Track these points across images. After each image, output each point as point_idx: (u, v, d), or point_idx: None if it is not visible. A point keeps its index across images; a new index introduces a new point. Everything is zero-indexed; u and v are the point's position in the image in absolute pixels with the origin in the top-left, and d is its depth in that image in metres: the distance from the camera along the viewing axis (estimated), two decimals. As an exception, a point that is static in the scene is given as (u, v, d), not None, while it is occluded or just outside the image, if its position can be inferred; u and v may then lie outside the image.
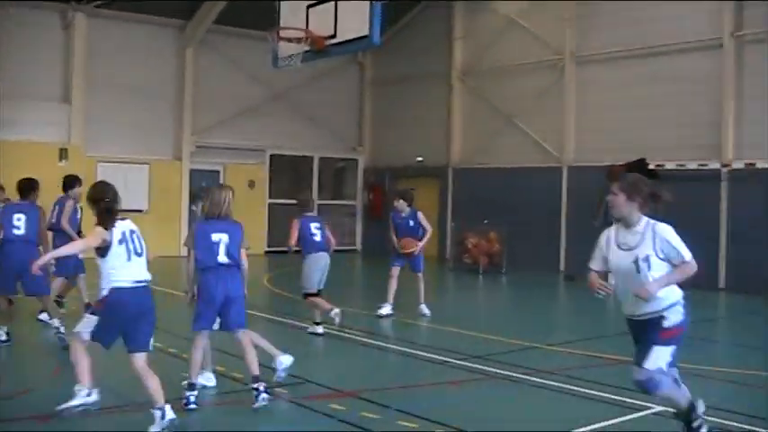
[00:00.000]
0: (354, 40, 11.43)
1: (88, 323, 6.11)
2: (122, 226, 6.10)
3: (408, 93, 25.09)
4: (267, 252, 23.37)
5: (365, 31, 11.09)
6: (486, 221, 20.22)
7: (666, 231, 5.56)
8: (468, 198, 22.70)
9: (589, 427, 6.47)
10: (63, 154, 20.85)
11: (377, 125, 26.72)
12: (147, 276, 6.18)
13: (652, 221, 5.63)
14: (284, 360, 7.72)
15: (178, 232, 21.56)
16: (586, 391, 7.70)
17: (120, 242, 6.02)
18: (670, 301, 5.55)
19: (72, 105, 21.27)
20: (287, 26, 12.61)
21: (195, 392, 6.88)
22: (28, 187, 10.11)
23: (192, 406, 6.78)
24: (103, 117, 21.64)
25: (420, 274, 12.44)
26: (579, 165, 20.31)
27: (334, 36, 11.65)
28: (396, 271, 12.31)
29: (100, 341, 6.11)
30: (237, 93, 23.91)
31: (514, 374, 8.43)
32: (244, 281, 7.21)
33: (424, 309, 12.30)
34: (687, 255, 5.50)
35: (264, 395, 6.85)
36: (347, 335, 10.66)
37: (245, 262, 7.27)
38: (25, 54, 20.56)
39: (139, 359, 6.09)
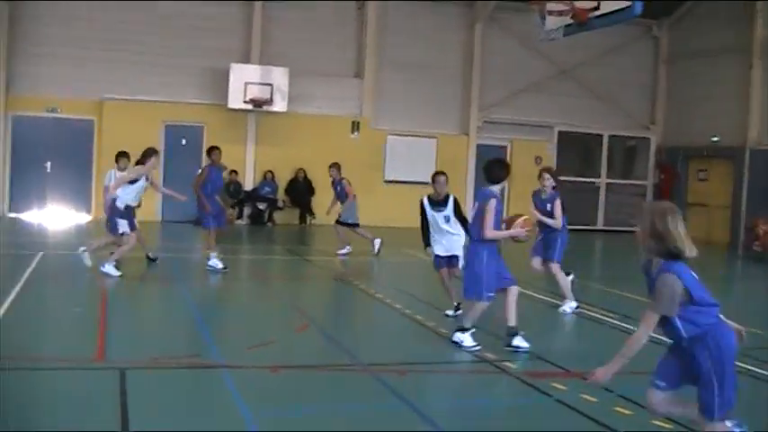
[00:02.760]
0: (617, 11, 10.98)
1: None
2: None
3: (704, 68, 23.51)
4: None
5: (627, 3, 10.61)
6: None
7: None
8: (765, 181, 20.96)
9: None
10: (355, 126, 22.07)
11: (670, 102, 25.39)
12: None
13: None
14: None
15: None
16: None
17: None
18: None
19: (364, 81, 22.41)
20: (552, -1, 12.44)
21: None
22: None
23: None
24: (392, 92, 22.63)
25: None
26: None
27: (597, 8, 11.29)
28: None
29: None
30: (524, 69, 23.85)
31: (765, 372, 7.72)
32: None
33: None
34: None
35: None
36: (597, 314, 10.38)
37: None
38: (321, 34, 22.03)
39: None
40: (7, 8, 20.28)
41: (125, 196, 11.83)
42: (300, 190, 21.51)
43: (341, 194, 15.77)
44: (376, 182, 22.07)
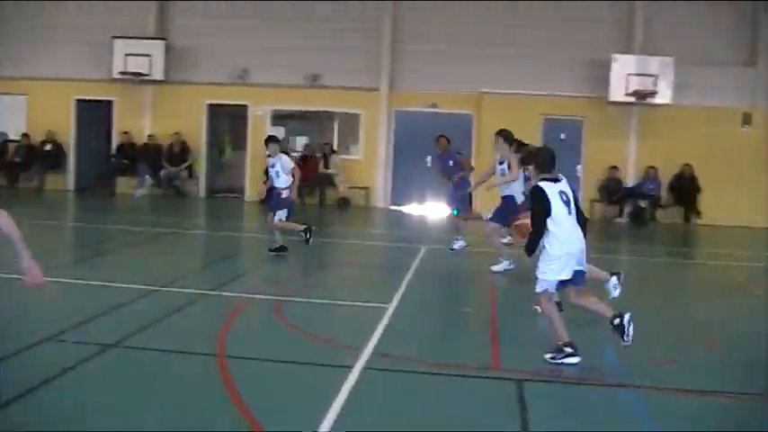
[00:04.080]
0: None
1: None
2: None
3: None
4: None
5: None
6: None
7: None
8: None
9: None
10: (746, 118, 20.18)
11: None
12: None
13: None
14: None
15: None
16: None
17: None
18: None
19: (757, 69, 20.39)
20: None
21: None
22: None
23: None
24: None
25: None
26: None
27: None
28: None
29: None
30: None
31: None
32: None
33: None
34: None
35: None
36: None
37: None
38: (710, 18, 20.34)
39: None
40: (391, 8, 21.16)
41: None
42: (685, 187, 20.04)
43: None
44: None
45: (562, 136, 20.49)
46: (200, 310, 8.37)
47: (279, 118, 22.41)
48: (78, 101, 22.71)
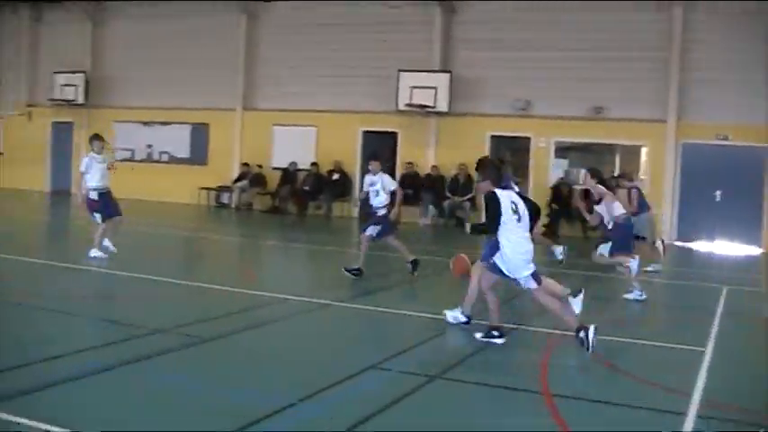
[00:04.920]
0: None
1: None
2: None
3: None
4: None
5: None
6: None
7: None
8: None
9: None
10: None
11: None
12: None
13: None
14: None
15: None
16: None
17: None
18: None
19: None
20: None
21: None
22: None
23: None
24: None
25: None
26: None
27: None
28: None
29: None
30: None
31: None
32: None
33: None
34: None
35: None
36: None
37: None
38: None
39: None
40: (679, 38, 20.46)
41: None
42: None
43: None
44: None
45: None
46: (510, 343, 8.47)
47: (561, 150, 22.33)
48: (365, 132, 23.97)
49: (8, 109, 30.09)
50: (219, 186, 25.84)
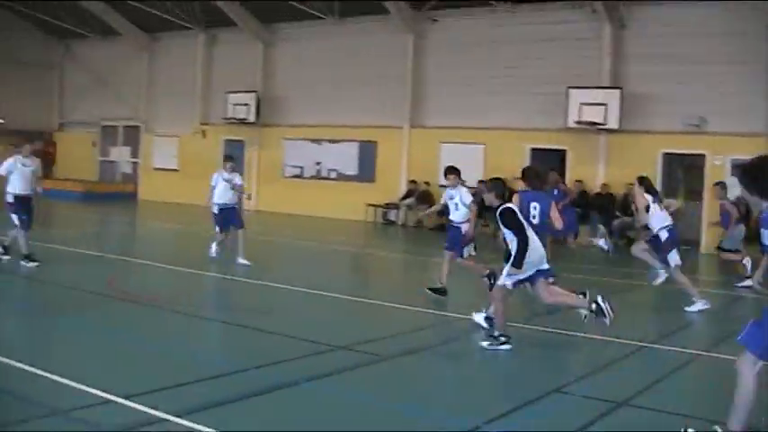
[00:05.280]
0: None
1: None
2: None
3: None
4: None
5: None
6: None
7: None
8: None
9: None
10: None
11: None
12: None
13: None
14: None
15: None
16: None
17: None
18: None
19: None
20: None
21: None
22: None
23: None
24: None
25: None
26: None
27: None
28: None
29: None
30: None
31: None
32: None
33: None
34: None
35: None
36: None
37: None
38: None
39: None
40: None
41: None
42: None
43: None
44: None
45: None
46: (695, 372, 8.43)
47: (736, 168, 21.64)
48: (533, 149, 23.99)
49: (184, 128, 31.85)
50: (387, 203, 26.53)
